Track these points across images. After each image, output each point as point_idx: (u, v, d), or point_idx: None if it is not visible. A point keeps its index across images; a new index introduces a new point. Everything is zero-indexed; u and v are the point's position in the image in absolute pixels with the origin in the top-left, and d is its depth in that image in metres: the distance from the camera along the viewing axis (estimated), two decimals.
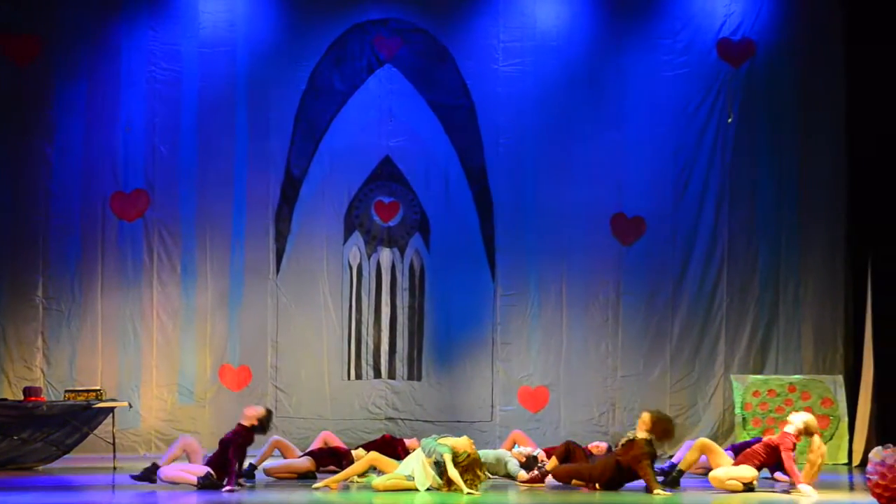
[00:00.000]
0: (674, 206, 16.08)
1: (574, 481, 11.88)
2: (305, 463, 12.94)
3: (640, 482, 11.90)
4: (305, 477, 12.80)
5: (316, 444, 13.38)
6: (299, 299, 15.93)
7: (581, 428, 15.54)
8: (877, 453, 10.03)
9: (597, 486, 11.79)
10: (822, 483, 12.80)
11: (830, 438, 14.80)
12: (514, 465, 12.96)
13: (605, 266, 16.00)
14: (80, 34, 15.89)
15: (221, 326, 15.85)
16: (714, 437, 14.76)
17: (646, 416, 11.93)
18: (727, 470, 11.90)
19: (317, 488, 11.84)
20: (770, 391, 15.01)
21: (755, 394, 15.03)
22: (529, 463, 13.12)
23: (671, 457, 13.69)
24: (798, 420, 12.13)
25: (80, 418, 13.91)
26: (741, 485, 11.74)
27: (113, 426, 14.27)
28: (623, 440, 11.98)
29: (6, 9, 15.75)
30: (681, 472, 11.90)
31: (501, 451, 13.23)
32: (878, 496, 9.99)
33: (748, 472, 11.80)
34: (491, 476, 12.90)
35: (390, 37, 16.23)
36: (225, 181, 16.00)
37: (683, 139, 16.10)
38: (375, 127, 16.14)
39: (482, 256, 16.07)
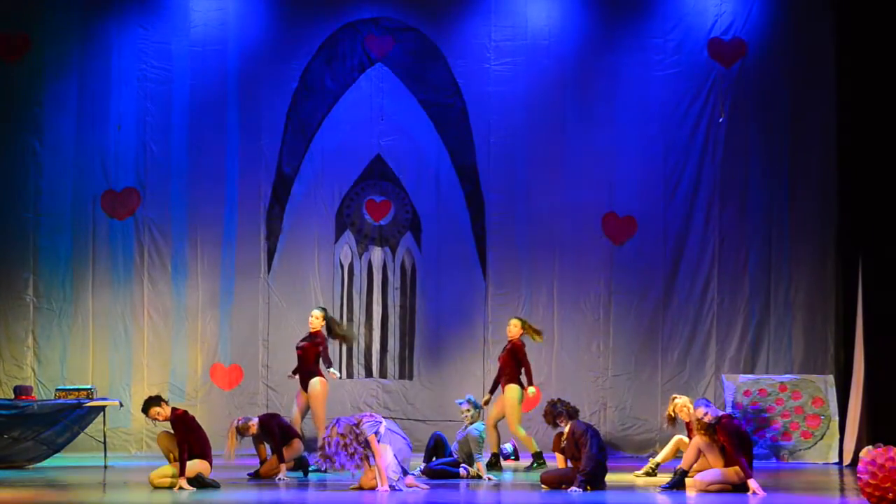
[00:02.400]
0: (665, 205, 16.10)
1: (563, 486, 11.84)
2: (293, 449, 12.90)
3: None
4: (297, 468, 12.82)
5: None
6: (290, 298, 15.92)
7: None
8: (867, 452, 10.04)
9: (588, 487, 11.75)
10: (813, 483, 12.85)
11: (821, 438, 14.84)
12: (477, 447, 12.79)
13: (597, 265, 16.02)
14: (70, 32, 15.89)
15: (213, 325, 15.84)
16: None
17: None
18: (711, 475, 11.70)
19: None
20: (761, 391, 15.04)
21: (746, 393, 15.05)
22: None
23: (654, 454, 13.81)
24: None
25: (70, 417, 13.89)
26: (730, 486, 11.63)
27: (104, 425, 14.27)
28: (563, 437, 11.94)
29: None
30: (684, 473, 11.86)
31: (475, 431, 12.90)
32: (868, 496, 10.01)
33: (734, 475, 11.62)
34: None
35: (382, 36, 16.23)
36: (216, 180, 16.01)
37: (674, 139, 16.12)
38: (367, 126, 16.15)
39: (473, 255, 16.07)
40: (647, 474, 12.97)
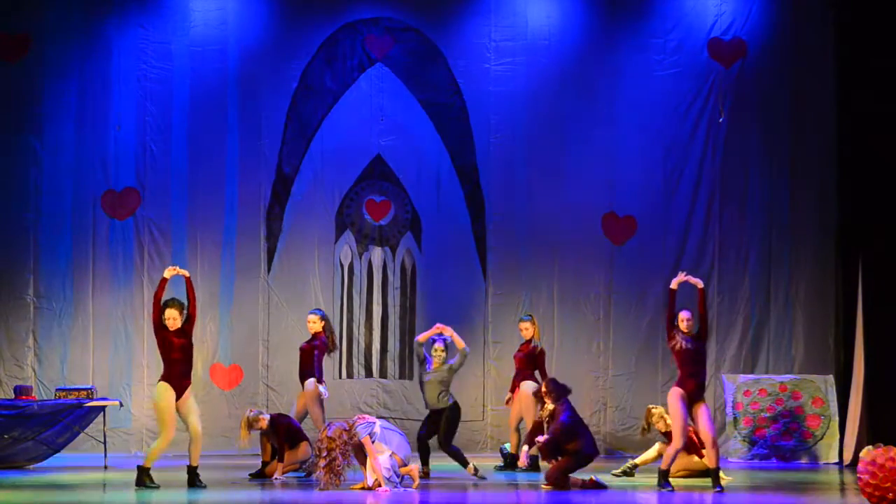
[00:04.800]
0: (665, 205, 16.11)
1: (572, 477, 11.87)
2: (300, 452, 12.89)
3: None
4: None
5: None
6: (290, 298, 15.92)
7: None
8: (867, 452, 10.05)
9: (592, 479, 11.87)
10: (813, 483, 12.85)
11: (821, 438, 14.84)
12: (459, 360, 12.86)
13: (597, 265, 16.02)
14: (70, 32, 15.89)
15: (212, 325, 15.84)
16: None
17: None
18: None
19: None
20: (761, 391, 15.04)
21: (746, 393, 15.05)
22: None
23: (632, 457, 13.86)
24: None
25: (71, 417, 13.89)
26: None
27: (104, 425, 14.27)
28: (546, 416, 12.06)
29: None
30: (666, 473, 11.93)
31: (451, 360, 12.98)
32: (868, 496, 10.01)
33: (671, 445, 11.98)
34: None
35: (382, 36, 16.23)
36: (216, 180, 16.01)
37: (674, 138, 16.13)
38: (367, 126, 16.16)
39: (474, 255, 16.08)
40: (625, 473, 13.00)
